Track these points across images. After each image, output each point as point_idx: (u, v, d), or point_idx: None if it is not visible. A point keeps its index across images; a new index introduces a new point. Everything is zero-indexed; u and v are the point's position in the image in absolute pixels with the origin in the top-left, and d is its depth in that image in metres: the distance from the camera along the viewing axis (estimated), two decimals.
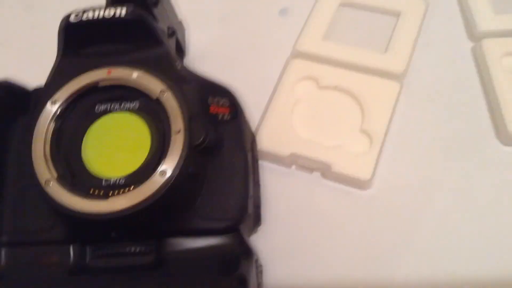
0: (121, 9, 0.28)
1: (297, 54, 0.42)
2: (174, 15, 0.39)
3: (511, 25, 0.40)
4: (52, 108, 0.28)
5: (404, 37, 0.41)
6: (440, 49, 0.42)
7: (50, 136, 0.27)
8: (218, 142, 0.28)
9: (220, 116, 0.30)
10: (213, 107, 0.30)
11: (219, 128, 0.29)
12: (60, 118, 0.28)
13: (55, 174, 0.27)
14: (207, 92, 0.30)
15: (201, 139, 0.27)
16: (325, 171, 0.36)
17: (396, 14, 0.43)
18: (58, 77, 0.28)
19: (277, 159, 0.37)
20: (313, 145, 0.36)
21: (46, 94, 0.28)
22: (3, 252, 0.27)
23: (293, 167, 0.38)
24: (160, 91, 0.28)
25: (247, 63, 0.43)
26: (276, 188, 0.37)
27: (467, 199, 0.35)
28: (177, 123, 0.27)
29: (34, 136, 0.27)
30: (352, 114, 0.38)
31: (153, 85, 0.28)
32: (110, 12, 0.27)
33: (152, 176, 0.26)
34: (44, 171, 0.26)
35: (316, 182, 0.37)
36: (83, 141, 0.28)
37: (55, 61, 0.29)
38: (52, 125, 0.28)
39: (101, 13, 0.27)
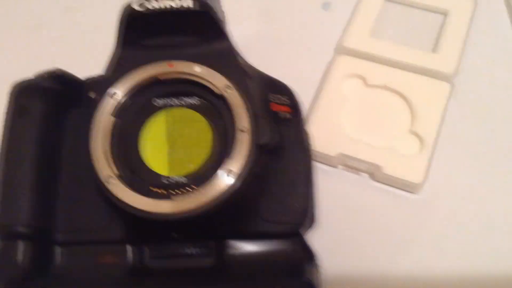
0: (188, 0, 0.26)
1: (343, 51, 0.41)
2: (219, 5, 0.38)
3: None
4: (111, 101, 0.27)
5: (453, 36, 0.40)
6: (490, 49, 0.41)
7: (109, 131, 0.26)
8: (282, 142, 0.27)
9: (281, 114, 0.29)
10: (273, 104, 0.29)
11: (281, 127, 0.28)
12: (118, 112, 0.27)
13: (116, 171, 0.25)
14: (266, 89, 0.29)
15: (268, 139, 0.26)
16: (375, 172, 0.35)
17: (443, 13, 0.42)
18: (117, 69, 0.27)
19: (323, 158, 0.36)
20: (362, 146, 0.36)
21: (104, 86, 0.27)
22: (58, 252, 0.26)
23: (340, 167, 0.37)
24: (225, 87, 0.26)
25: (289, 58, 0.42)
26: (323, 187, 0.36)
27: None
28: (242, 121, 0.26)
29: (93, 131, 0.26)
30: (401, 115, 0.37)
31: (217, 80, 0.27)
32: (177, 2, 0.26)
33: (218, 176, 0.25)
34: (105, 167, 0.25)
35: (364, 184, 0.36)
36: (141, 136, 0.27)
37: (114, 51, 0.28)
38: (112, 119, 0.27)
39: (168, 3, 0.26)
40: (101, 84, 0.28)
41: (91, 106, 0.28)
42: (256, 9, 0.45)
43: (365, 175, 0.36)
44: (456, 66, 0.38)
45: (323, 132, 0.36)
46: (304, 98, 0.39)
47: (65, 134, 0.28)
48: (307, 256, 0.27)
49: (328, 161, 0.36)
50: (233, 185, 0.25)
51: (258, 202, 0.27)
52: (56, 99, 0.28)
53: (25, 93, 0.27)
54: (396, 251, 0.33)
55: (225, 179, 0.25)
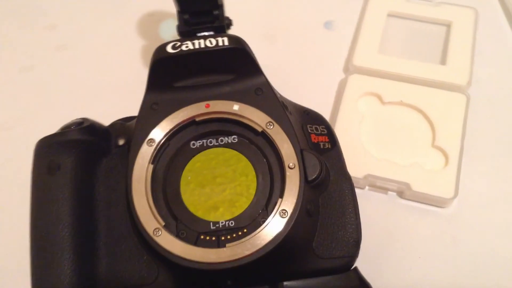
0: (223, 39, 0.25)
1: (353, 69, 0.40)
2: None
3: None
4: (149, 149, 0.26)
5: (460, 47, 0.41)
6: (496, 57, 0.42)
7: (150, 180, 0.25)
8: (328, 174, 0.27)
9: (322, 145, 0.28)
10: (313, 135, 0.28)
11: (324, 158, 0.27)
12: (156, 158, 0.26)
13: (162, 222, 0.24)
14: (304, 120, 0.29)
15: (317, 173, 0.25)
16: (404, 190, 0.35)
17: (447, 24, 0.43)
18: (151, 114, 0.26)
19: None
20: (388, 165, 0.35)
21: (139, 133, 0.26)
22: None
23: (367, 188, 0.36)
24: (267, 123, 0.26)
25: (298, 81, 0.42)
26: None
27: None
28: (290, 157, 0.25)
29: (132, 182, 0.25)
30: (422, 130, 0.37)
31: (257, 117, 0.26)
32: (212, 41, 0.25)
33: (271, 217, 0.24)
34: (151, 220, 0.24)
35: (393, 202, 0.36)
36: (181, 182, 0.26)
37: (145, 94, 0.26)
38: (150, 167, 0.25)
39: (202, 43, 0.25)
40: (131, 130, 0.27)
41: (121, 154, 0.27)
42: (259, 33, 0.45)
43: (393, 194, 0.36)
44: (468, 77, 0.39)
45: (347, 154, 0.35)
46: None
47: (98, 185, 0.27)
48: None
49: (356, 183, 0.35)
50: (287, 226, 0.24)
51: (311, 239, 0.26)
52: (86, 151, 0.26)
53: (53, 150, 0.26)
54: (433, 265, 0.33)
55: (279, 220, 0.24)
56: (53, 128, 0.27)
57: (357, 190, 0.36)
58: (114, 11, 0.47)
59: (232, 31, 0.40)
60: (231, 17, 0.39)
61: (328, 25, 0.45)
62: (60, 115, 0.30)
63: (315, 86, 0.42)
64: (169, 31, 0.45)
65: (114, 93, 0.42)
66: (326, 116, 0.39)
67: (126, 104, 0.30)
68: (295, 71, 0.42)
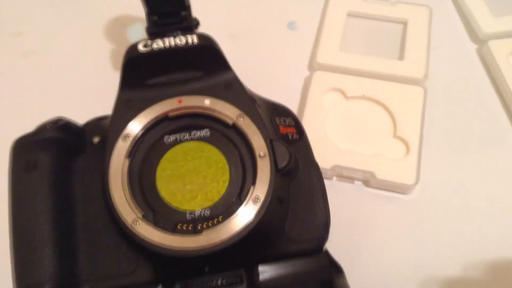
0: (192, 36, 0.27)
1: (317, 67, 0.42)
2: None
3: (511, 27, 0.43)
4: (124, 144, 0.26)
5: (417, 43, 0.43)
6: (449, 53, 0.44)
7: (126, 174, 0.26)
8: (297, 163, 0.28)
9: (290, 136, 0.29)
10: (282, 127, 0.29)
11: (292, 148, 0.29)
12: (132, 153, 0.27)
13: (139, 213, 0.25)
14: (273, 113, 0.30)
15: (286, 161, 0.26)
16: (369, 179, 0.37)
17: (403, 22, 0.45)
18: (125, 111, 0.27)
19: None
20: (354, 155, 0.37)
21: (114, 129, 0.27)
22: None
23: (334, 178, 0.38)
24: (237, 116, 0.27)
25: (266, 79, 0.43)
26: None
27: (504, 191, 0.37)
28: (261, 147, 0.26)
29: (109, 176, 0.26)
30: (383, 122, 0.39)
31: (228, 110, 0.27)
32: (181, 39, 0.26)
33: (244, 204, 0.25)
34: (129, 211, 0.25)
35: (360, 191, 0.37)
36: (157, 175, 0.27)
37: (119, 93, 0.27)
38: (127, 162, 0.26)
39: (172, 41, 0.26)
40: (106, 127, 0.28)
41: (96, 152, 0.28)
42: (224, 35, 0.46)
43: (359, 183, 0.38)
44: (425, 71, 0.41)
45: (315, 147, 0.37)
46: None
47: (74, 182, 0.27)
48: (335, 269, 0.27)
49: (324, 174, 0.37)
50: (260, 212, 0.25)
51: (283, 224, 0.27)
52: (62, 149, 0.27)
53: (30, 148, 0.26)
54: (398, 248, 0.35)
55: (252, 207, 0.25)
56: (27, 130, 0.28)
57: (325, 181, 0.37)
58: (82, 16, 0.48)
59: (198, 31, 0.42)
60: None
61: (291, 25, 0.47)
62: (34, 118, 0.30)
63: (281, 84, 0.43)
64: (136, 34, 0.46)
65: (84, 96, 0.42)
66: (294, 111, 0.41)
67: (97, 106, 0.31)
68: (261, 70, 0.44)
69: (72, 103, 0.42)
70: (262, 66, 0.44)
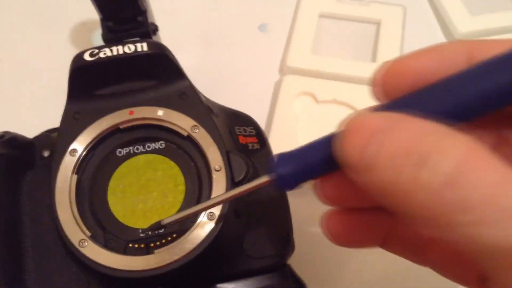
0: (142, 44, 0.25)
1: (288, 70, 0.41)
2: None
3: (488, 25, 0.42)
4: (71, 159, 0.25)
5: (390, 44, 0.42)
6: None
7: (74, 191, 0.25)
8: (256, 175, 0.27)
9: (250, 146, 0.28)
10: (241, 137, 0.28)
11: (252, 159, 0.27)
12: (80, 168, 0.25)
13: (88, 233, 0.24)
14: (231, 122, 0.29)
15: (243, 174, 0.25)
16: None
17: (376, 22, 0.44)
18: (73, 123, 0.26)
19: None
20: None
21: (61, 143, 0.25)
22: None
23: (304, 186, 0.37)
24: (192, 127, 0.26)
25: (235, 84, 0.42)
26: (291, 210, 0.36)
27: None
28: (216, 160, 0.25)
29: (55, 194, 0.24)
30: None
31: (182, 121, 0.26)
32: (130, 47, 0.25)
33: (198, 220, 0.24)
34: (76, 231, 0.24)
35: None
36: (109, 191, 0.26)
37: (67, 105, 0.26)
38: (74, 178, 0.25)
39: (121, 49, 0.25)
40: (54, 141, 0.26)
41: (46, 166, 0.27)
42: (194, 37, 0.45)
43: None
44: None
45: None
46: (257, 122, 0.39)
47: (23, 199, 0.26)
48: (298, 286, 0.26)
49: None
50: (215, 228, 0.24)
51: (242, 239, 0.26)
52: (8, 165, 0.26)
53: None
54: (366, 261, 0.34)
55: (207, 222, 0.24)
56: None
57: (296, 190, 0.37)
58: (46, 21, 0.46)
59: (165, 35, 0.40)
60: (164, 22, 0.38)
61: (262, 28, 0.45)
62: None
63: (251, 88, 0.42)
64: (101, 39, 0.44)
65: (49, 103, 0.40)
66: (263, 117, 0.40)
67: (59, 114, 0.30)
68: (231, 74, 0.43)
69: (35, 111, 0.40)
70: (233, 70, 0.43)
